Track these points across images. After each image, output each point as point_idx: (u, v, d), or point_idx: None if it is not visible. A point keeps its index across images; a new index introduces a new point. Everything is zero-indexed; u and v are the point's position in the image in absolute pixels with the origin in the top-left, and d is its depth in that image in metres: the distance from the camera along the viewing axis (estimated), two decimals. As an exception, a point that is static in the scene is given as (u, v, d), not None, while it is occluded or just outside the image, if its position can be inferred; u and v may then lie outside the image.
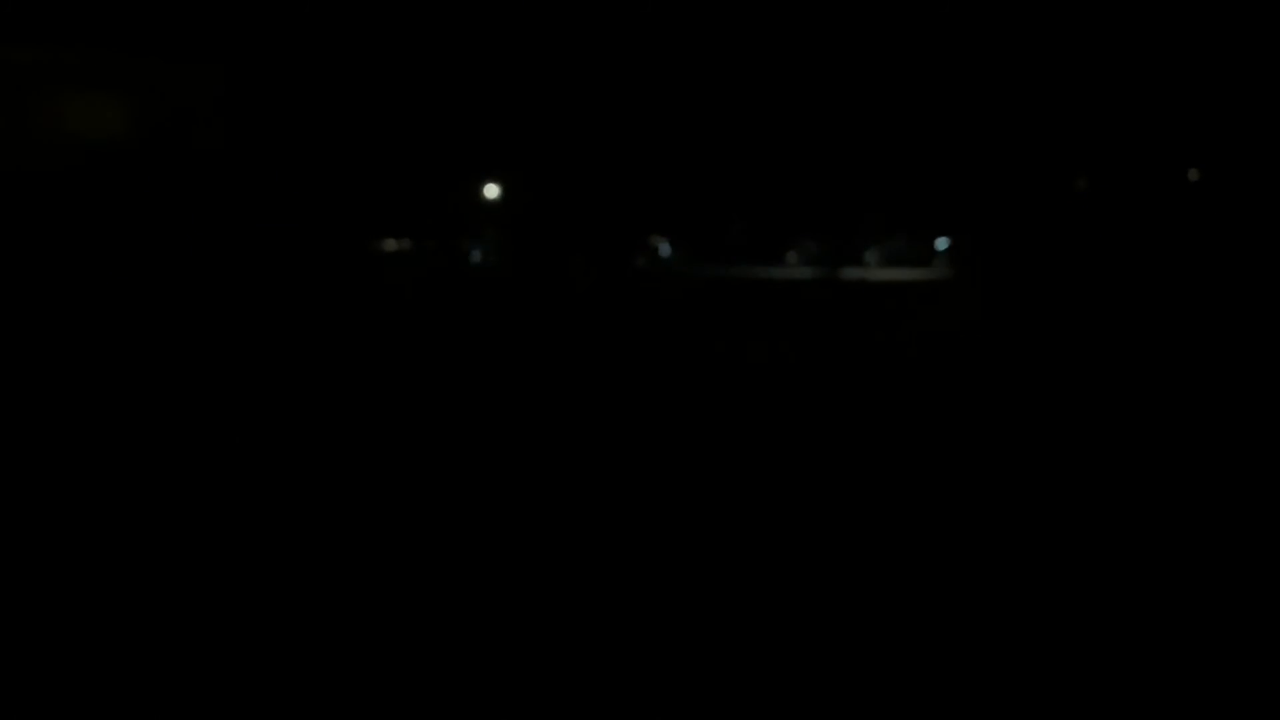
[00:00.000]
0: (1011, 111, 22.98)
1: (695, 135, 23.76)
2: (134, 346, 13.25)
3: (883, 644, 4.09)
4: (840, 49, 22.88)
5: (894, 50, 22.77)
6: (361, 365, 11.64)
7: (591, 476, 6.67)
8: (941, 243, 25.17)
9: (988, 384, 10.07)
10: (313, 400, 9.30)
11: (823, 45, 22.94)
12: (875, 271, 23.90)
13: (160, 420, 8.22)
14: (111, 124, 21.36)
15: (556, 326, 16.00)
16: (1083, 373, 10.34)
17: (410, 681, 3.74)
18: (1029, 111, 22.86)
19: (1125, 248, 19.67)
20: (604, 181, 24.33)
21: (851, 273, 23.09)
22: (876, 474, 6.72)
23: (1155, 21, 21.66)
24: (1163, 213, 21.02)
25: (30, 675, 3.72)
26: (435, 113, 23.52)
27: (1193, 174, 22.24)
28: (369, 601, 4.45)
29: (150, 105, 21.62)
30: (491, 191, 25.17)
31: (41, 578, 4.74)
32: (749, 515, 5.79)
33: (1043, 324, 13.78)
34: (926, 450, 7.38)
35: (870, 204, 23.62)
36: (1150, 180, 22.04)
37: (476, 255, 26.73)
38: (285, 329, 15.31)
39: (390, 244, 25.01)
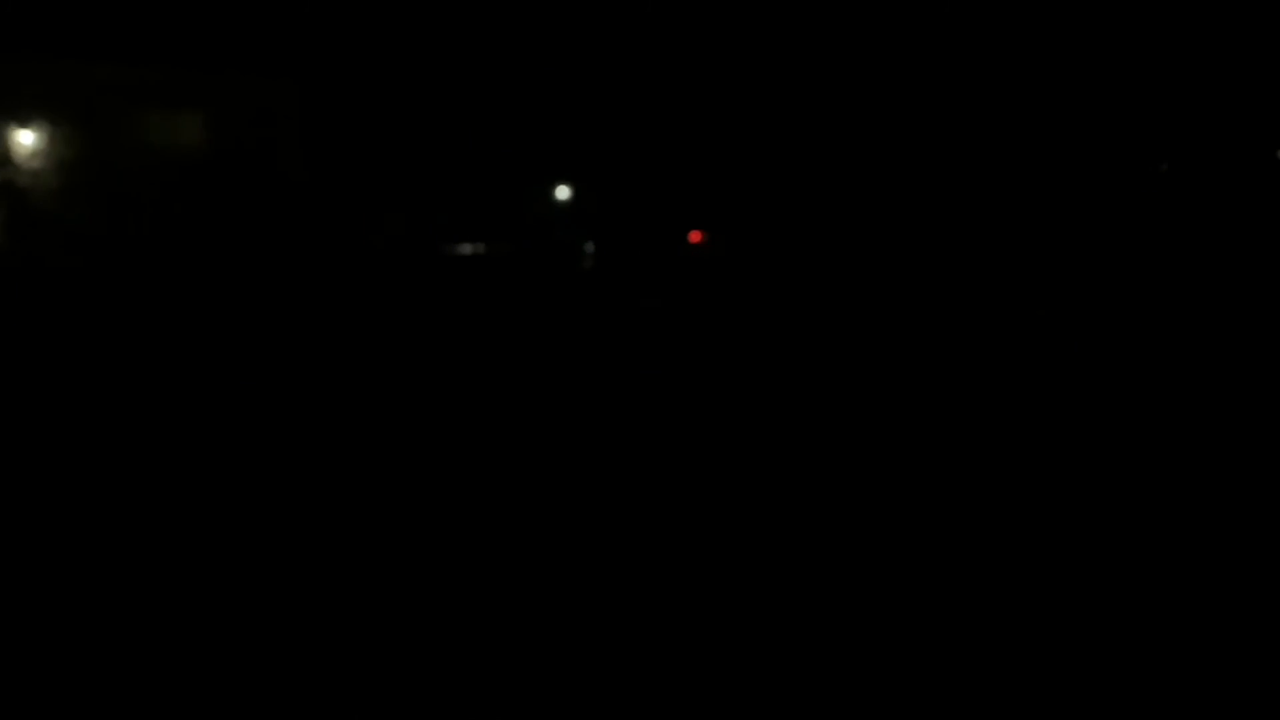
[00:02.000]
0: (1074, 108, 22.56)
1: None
2: (222, 352, 13.72)
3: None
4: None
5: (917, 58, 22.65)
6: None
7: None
8: (589, 246, 25.37)
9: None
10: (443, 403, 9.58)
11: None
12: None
13: (264, 427, 8.53)
14: (192, 138, 22.23)
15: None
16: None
17: (412, 680, 3.83)
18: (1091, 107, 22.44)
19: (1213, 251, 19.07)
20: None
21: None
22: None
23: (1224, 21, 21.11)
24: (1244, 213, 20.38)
25: (31, 675, 3.84)
26: (506, 118, 23.98)
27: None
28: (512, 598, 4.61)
29: (228, 119, 22.44)
30: (562, 193, 25.53)
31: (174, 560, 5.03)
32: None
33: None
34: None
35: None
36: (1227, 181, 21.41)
37: (590, 247, 26.59)
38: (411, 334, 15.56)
39: (466, 248, 25.53)
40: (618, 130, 24.39)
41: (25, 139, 21.15)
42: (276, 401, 9.64)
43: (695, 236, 25.12)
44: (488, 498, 6.10)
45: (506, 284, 23.24)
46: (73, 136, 21.61)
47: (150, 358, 12.94)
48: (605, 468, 6.75)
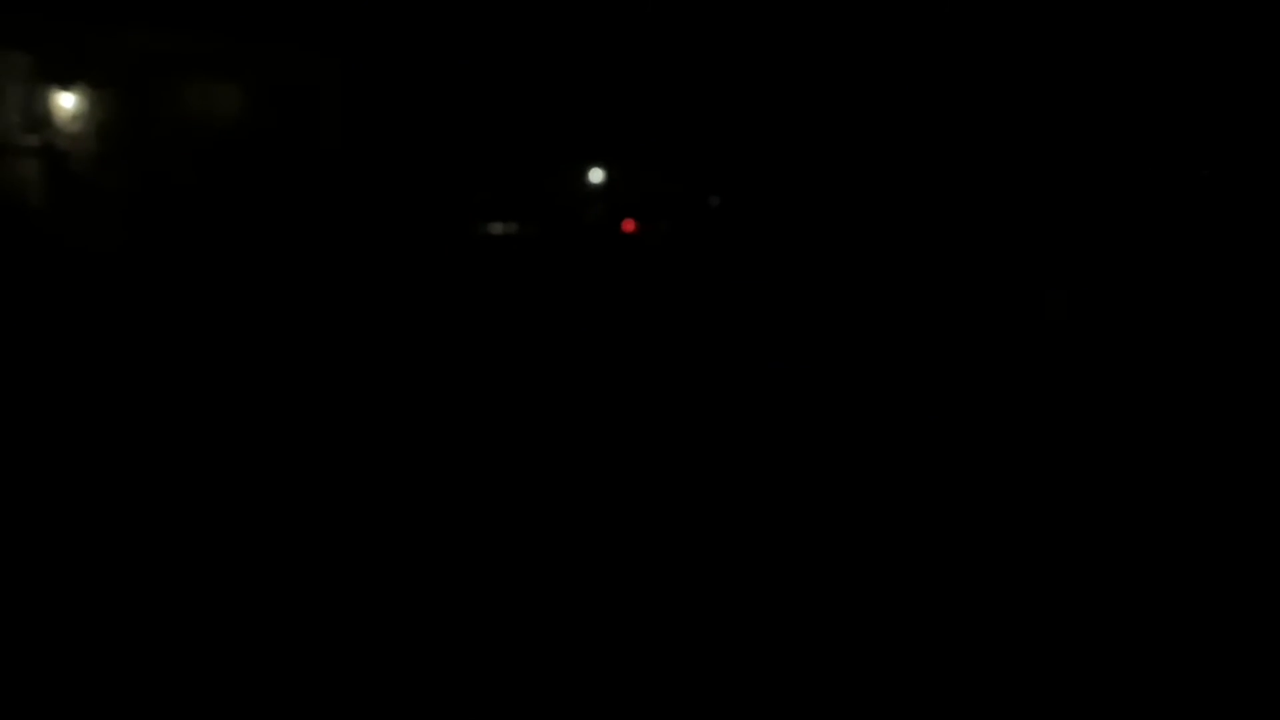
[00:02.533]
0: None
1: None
2: (254, 327, 13.69)
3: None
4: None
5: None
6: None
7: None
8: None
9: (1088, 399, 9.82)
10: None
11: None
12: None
13: (318, 415, 8.52)
14: (234, 111, 22.10)
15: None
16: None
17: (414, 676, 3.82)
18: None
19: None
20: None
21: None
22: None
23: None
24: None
25: (33, 674, 3.81)
26: (545, 100, 23.82)
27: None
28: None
29: (271, 92, 22.30)
30: (596, 176, 25.36)
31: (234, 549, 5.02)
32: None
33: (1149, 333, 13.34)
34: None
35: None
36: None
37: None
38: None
39: (498, 228, 25.38)
40: (654, 113, 24.24)
41: (61, 103, 21.04)
42: (310, 381, 9.64)
43: (628, 226, 25.10)
44: (509, 481, 6.13)
45: (539, 264, 23.21)
46: (107, 102, 21.50)
47: (183, 331, 12.95)
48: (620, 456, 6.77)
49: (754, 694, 3.87)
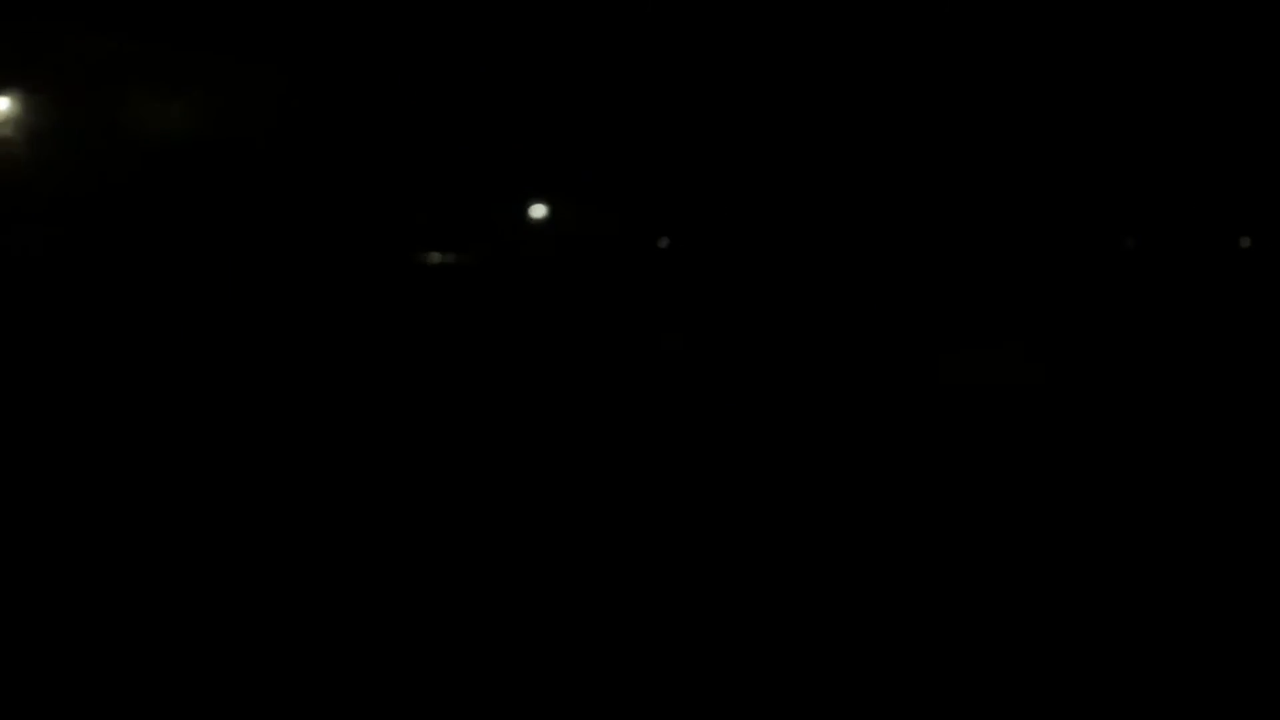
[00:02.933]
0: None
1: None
2: (188, 350, 13.29)
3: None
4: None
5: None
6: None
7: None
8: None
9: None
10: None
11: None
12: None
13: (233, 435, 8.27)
14: (172, 120, 21.52)
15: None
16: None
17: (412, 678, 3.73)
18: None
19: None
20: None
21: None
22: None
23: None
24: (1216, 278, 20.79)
25: (31, 675, 3.68)
26: (488, 128, 23.65)
27: (1244, 241, 21.99)
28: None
29: (211, 103, 21.77)
30: (538, 211, 25.21)
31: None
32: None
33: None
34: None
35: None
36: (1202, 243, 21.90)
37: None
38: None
39: (435, 257, 25.02)
40: (602, 141, 24.26)
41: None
42: (248, 407, 9.41)
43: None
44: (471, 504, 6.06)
45: (480, 294, 22.97)
46: (40, 106, 20.79)
47: (111, 340, 12.56)
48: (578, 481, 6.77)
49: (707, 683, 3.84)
